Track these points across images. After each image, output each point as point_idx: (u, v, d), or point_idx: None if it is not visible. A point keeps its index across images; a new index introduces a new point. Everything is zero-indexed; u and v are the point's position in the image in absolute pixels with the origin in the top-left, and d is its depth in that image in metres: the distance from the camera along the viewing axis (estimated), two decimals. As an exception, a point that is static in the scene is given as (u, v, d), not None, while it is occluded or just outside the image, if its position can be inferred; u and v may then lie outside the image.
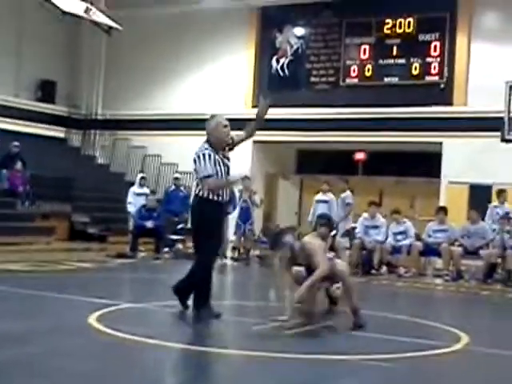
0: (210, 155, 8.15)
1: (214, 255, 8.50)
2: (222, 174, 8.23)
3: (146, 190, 18.81)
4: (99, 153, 26.26)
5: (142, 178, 19.40)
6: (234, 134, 8.49)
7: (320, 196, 17.45)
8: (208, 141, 8.31)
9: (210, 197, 8.22)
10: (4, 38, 23.95)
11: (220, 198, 8.27)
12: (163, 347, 6.64)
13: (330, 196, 17.34)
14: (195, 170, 8.31)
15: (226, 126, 8.32)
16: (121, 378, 5.55)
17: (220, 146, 8.27)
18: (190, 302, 8.47)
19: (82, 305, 8.83)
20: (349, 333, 7.60)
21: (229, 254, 17.54)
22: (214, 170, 8.14)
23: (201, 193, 8.28)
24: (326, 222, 8.57)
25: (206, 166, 8.11)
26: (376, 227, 16.09)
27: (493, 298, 13.06)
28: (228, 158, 8.40)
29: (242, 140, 8.62)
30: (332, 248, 8.54)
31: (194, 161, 8.23)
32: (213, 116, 8.51)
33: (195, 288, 8.40)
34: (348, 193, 17.39)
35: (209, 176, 8.13)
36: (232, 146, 8.48)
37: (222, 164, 8.25)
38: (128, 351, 6.56)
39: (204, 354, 6.63)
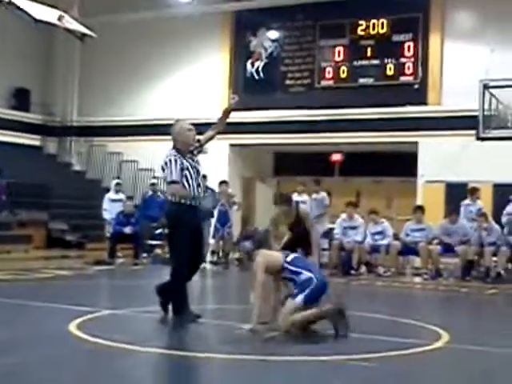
0: (176, 160, 8.24)
1: (186, 260, 8.36)
2: (192, 178, 8.30)
3: (121, 196, 18.76)
4: (75, 160, 26.15)
5: (117, 183, 19.34)
6: (199, 136, 8.56)
7: (295, 197, 17.32)
8: (174, 146, 8.40)
9: (182, 201, 8.28)
10: (-24, 46, 23.78)
11: (192, 201, 8.31)
12: (145, 353, 6.62)
13: (304, 197, 17.35)
14: (164, 175, 8.41)
15: (190, 130, 8.43)
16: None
17: (186, 150, 8.36)
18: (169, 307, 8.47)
19: (62, 312, 8.78)
20: (329, 334, 7.61)
21: (208, 257, 17.51)
22: (180, 175, 8.22)
23: (173, 198, 8.34)
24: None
25: (171, 171, 8.21)
26: (354, 228, 16.16)
27: (472, 295, 13.15)
28: (197, 162, 8.47)
29: (210, 138, 8.71)
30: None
31: (162, 167, 8.35)
32: (177, 121, 8.63)
33: (173, 294, 8.41)
34: (323, 194, 17.40)
35: (173, 182, 8.23)
36: (200, 147, 8.55)
37: (190, 168, 8.31)
38: (109, 358, 6.53)
39: (186, 359, 6.62)
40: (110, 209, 18.34)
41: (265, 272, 7.72)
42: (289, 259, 7.80)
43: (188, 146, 8.37)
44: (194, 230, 8.38)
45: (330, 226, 17.10)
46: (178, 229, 8.32)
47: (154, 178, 21.27)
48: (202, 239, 8.81)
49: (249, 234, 17.90)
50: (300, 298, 7.58)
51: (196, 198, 8.34)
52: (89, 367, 6.22)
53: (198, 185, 8.38)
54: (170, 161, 8.24)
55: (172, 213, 8.43)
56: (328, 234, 16.70)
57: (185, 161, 8.28)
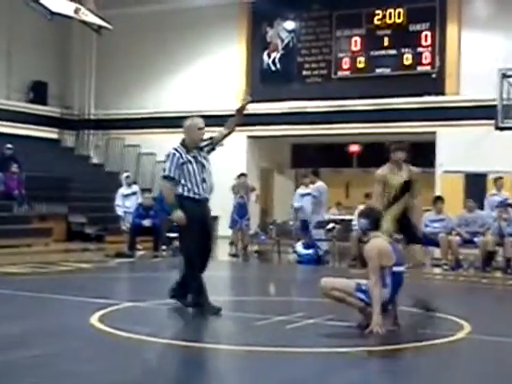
0: (174, 155, 8.43)
1: (196, 252, 8.44)
2: (194, 173, 8.42)
3: (134, 189, 18.64)
4: (93, 153, 26.24)
5: (127, 176, 19.20)
6: (212, 134, 8.70)
7: (301, 190, 17.12)
8: (183, 140, 8.58)
9: (186, 194, 8.40)
10: (-7, 40, 23.88)
11: (196, 194, 8.42)
12: (166, 345, 6.65)
13: (312, 188, 17.07)
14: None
15: (200, 129, 8.57)
16: (127, 378, 5.54)
17: (193, 146, 8.51)
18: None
19: (83, 305, 8.82)
20: (351, 325, 7.60)
21: (226, 250, 17.58)
22: (179, 170, 8.37)
23: (179, 191, 8.43)
24: None
25: (168, 166, 8.43)
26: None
27: (492, 286, 13.10)
28: (205, 157, 8.58)
29: (224, 136, 8.81)
30: None
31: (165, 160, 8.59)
32: (191, 117, 8.79)
33: (188, 285, 8.49)
34: (318, 184, 16.99)
35: (166, 177, 8.43)
36: (212, 145, 8.67)
37: (194, 162, 8.44)
38: (131, 350, 6.57)
39: (208, 351, 6.64)
40: (122, 204, 18.28)
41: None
42: (395, 269, 7.53)
43: (195, 142, 8.52)
44: (201, 222, 8.44)
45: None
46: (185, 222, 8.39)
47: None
48: (211, 232, 8.82)
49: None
50: (360, 295, 7.44)
51: (199, 193, 8.41)
52: (111, 359, 6.25)
53: (203, 180, 8.47)
54: (170, 155, 8.47)
55: (179, 206, 8.48)
56: (323, 224, 16.41)
57: (188, 155, 8.43)
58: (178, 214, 8.30)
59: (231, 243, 17.84)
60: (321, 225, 16.37)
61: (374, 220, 7.79)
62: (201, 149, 8.56)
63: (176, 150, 8.47)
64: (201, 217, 8.44)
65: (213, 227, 9.04)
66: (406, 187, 7.69)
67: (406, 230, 8.76)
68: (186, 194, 8.40)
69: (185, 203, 8.39)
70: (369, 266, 7.46)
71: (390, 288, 7.46)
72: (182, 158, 8.41)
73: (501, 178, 16.55)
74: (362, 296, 7.45)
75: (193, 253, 8.44)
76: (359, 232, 8.00)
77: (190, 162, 8.41)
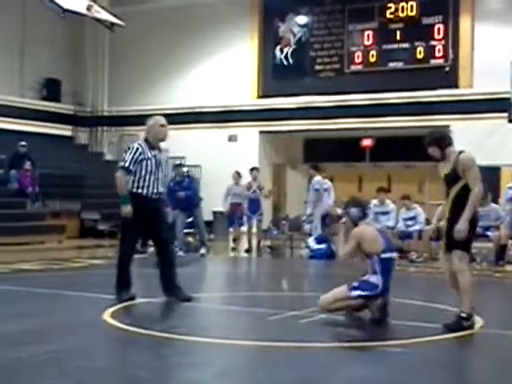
0: (137, 149, 8.67)
1: (130, 248, 8.93)
2: (150, 172, 8.67)
3: None
4: (106, 149, 26.30)
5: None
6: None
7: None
8: (146, 137, 8.86)
9: (135, 190, 8.67)
10: (7, 38, 23.97)
11: (146, 192, 8.67)
12: (179, 341, 6.65)
13: (328, 184, 17.02)
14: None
15: (162, 126, 8.88)
16: (140, 373, 5.55)
17: (155, 143, 8.81)
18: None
19: (96, 301, 8.84)
20: (363, 320, 7.60)
21: (232, 245, 17.63)
22: (137, 165, 8.59)
23: (129, 186, 8.71)
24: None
25: (127, 158, 8.66)
26: (386, 213, 16.08)
27: (505, 280, 13.04)
28: (164, 159, 9.06)
29: None
30: None
31: (124, 151, 8.93)
32: (152, 117, 9.12)
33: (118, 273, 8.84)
34: (317, 178, 16.88)
35: (126, 168, 8.63)
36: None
37: (153, 161, 8.70)
38: (144, 346, 6.58)
39: (220, 346, 6.64)
40: None
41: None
42: (383, 256, 7.62)
43: (158, 140, 8.82)
44: (145, 220, 8.66)
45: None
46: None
47: (184, 166, 21.11)
48: (161, 226, 8.95)
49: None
50: (356, 293, 7.53)
51: (148, 191, 8.65)
52: (123, 355, 6.27)
53: (157, 179, 8.74)
54: (132, 148, 8.73)
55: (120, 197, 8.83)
56: (324, 218, 16.34)
57: (149, 152, 8.67)
58: (128, 209, 8.54)
59: (234, 240, 17.80)
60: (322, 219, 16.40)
61: (363, 208, 8.01)
62: (159, 150, 8.86)
63: (140, 145, 8.74)
64: (145, 214, 8.62)
65: (164, 223, 9.19)
66: (449, 179, 7.39)
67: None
68: (135, 190, 8.66)
69: (132, 199, 8.61)
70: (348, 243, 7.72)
71: (380, 275, 7.52)
72: (143, 154, 8.65)
73: None
74: (357, 293, 7.51)
75: (126, 248, 8.85)
76: (347, 223, 8.01)
77: (150, 159, 8.66)
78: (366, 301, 7.57)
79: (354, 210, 7.93)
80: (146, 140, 8.81)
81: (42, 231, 18.83)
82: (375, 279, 7.54)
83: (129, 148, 8.87)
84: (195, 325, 7.88)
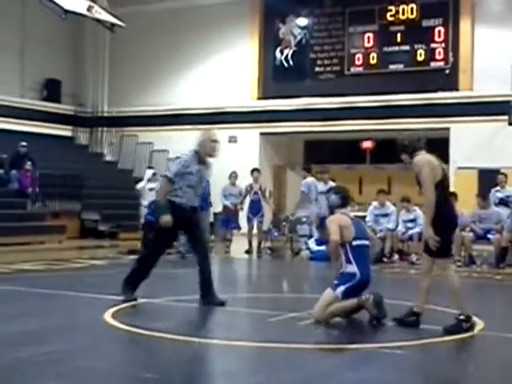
0: (185, 162, 8.58)
1: (154, 255, 8.83)
2: (193, 183, 8.62)
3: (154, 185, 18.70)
4: (107, 150, 26.32)
5: (154, 174, 19.24)
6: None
7: (322, 187, 16.99)
8: (196, 151, 8.71)
9: (173, 199, 8.59)
10: (7, 38, 24.00)
11: (183, 205, 8.61)
12: (179, 341, 6.66)
13: (331, 185, 16.99)
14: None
15: (213, 141, 8.74)
16: (140, 374, 5.56)
17: (205, 157, 8.71)
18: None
19: (97, 302, 8.86)
20: (362, 322, 7.61)
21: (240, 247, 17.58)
22: (177, 177, 8.52)
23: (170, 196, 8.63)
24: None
25: (174, 169, 8.60)
26: (386, 215, 16.07)
27: (506, 283, 13.04)
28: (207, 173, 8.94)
29: None
30: None
31: (178, 163, 8.67)
32: (205, 130, 9.10)
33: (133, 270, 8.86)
34: (306, 180, 16.89)
35: (169, 179, 8.57)
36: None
37: (196, 175, 8.62)
38: (144, 346, 6.60)
39: (220, 347, 6.65)
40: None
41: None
42: (354, 243, 7.70)
43: (207, 155, 8.71)
44: (179, 226, 8.66)
45: (360, 213, 16.87)
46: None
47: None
48: (196, 233, 8.93)
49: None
50: (340, 290, 7.56)
51: (187, 204, 8.59)
52: (124, 355, 6.29)
53: (195, 194, 8.72)
54: (181, 160, 8.64)
55: (159, 205, 8.80)
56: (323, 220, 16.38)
57: (196, 166, 8.59)
58: (167, 218, 8.46)
59: (226, 241, 17.78)
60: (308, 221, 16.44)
61: (342, 196, 8.04)
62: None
63: (188, 158, 8.61)
64: (179, 223, 8.58)
65: (202, 232, 9.26)
66: (418, 184, 7.52)
67: None
68: (172, 198, 8.56)
69: (171, 210, 8.54)
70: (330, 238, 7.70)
71: (355, 263, 7.60)
72: (189, 167, 8.56)
73: (503, 174, 16.45)
74: (341, 289, 7.54)
75: (153, 251, 8.84)
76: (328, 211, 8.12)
77: (194, 174, 8.59)
78: (355, 295, 7.56)
79: (333, 197, 8.07)
80: (197, 153, 8.69)
81: (43, 231, 18.84)
82: (351, 268, 7.61)
83: (177, 158, 8.75)
84: (195, 326, 7.90)
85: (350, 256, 7.63)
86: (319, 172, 17.12)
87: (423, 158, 7.36)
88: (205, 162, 8.72)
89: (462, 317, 7.11)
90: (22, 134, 22.38)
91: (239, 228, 17.57)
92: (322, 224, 16.07)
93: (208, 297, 8.56)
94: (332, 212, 8.06)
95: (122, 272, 9.12)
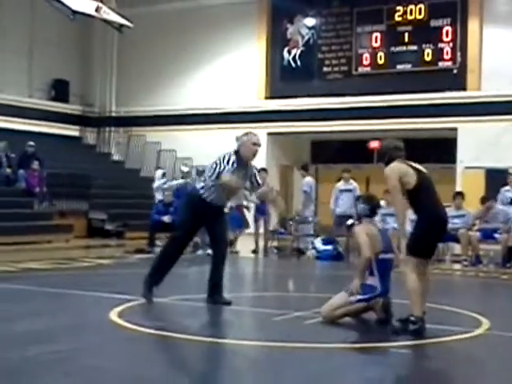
0: (233, 162, 8.41)
1: (177, 247, 8.80)
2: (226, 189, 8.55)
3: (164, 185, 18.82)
4: (114, 150, 26.37)
5: (164, 174, 19.34)
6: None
7: (342, 185, 16.98)
8: (236, 150, 8.60)
9: (204, 195, 8.52)
10: (16, 39, 24.08)
11: (212, 201, 8.54)
12: (186, 340, 6.67)
13: (353, 184, 16.99)
14: (210, 169, 8.54)
15: (254, 144, 8.62)
16: (147, 373, 5.58)
17: (245, 160, 8.57)
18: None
19: (103, 301, 8.87)
20: (368, 321, 7.60)
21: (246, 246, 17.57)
22: (214, 175, 8.44)
23: (201, 189, 8.58)
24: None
25: (225, 167, 8.40)
26: (393, 215, 16.02)
27: (512, 282, 13.02)
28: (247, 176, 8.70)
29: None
30: None
31: (219, 159, 8.51)
32: (247, 133, 8.84)
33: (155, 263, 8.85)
34: (307, 179, 16.94)
35: (223, 172, 8.40)
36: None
37: (240, 176, 8.50)
38: (150, 345, 6.62)
39: (226, 346, 6.66)
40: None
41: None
42: (380, 257, 7.57)
43: (247, 157, 8.58)
44: (204, 220, 8.63)
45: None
46: (188, 214, 8.70)
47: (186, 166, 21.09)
48: (218, 228, 8.86)
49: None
50: (356, 298, 7.46)
51: (216, 202, 8.56)
52: (130, 354, 6.29)
53: (227, 198, 8.89)
54: (229, 159, 8.43)
55: (190, 199, 8.81)
56: (341, 218, 16.40)
57: (238, 167, 8.45)
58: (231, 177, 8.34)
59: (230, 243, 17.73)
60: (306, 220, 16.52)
61: (372, 207, 7.90)
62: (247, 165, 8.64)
63: (233, 157, 8.47)
64: (205, 217, 8.57)
65: (224, 233, 9.09)
66: None
67: None
68: (204, 195, 8.49)
69: (197, 201, 8.52)
70: (361, 250, 7.51)
71: (378, 276, 7.47)
72: (233, 167, 8.41)
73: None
74: (357, 297, 7.42)
75: (176, 245, 8.76)
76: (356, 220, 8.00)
77: (237, 173, 8.45)
78: (368, 303, 7.53)
79: (362, 206, 7.92)
80: (236, 153, 8.58)
81: (50, 231, 18.88)
82: (372, 281, 7.48)
83: (224, 157, 8.47)
84: (201, 324, 7.90)
85: (374, 269, 7.49)
86: (345, 171, 17.04)
87: (391, 167, 7.25)
88: (243, 164, 8.56)
89: (412, 318, 6.98)
90: (30, 134, 22.46)
91: (246, 227, 17.51)
92: (340, 222, 16.05)
93: (215, 296, 8.58)
94: (359, 219, 7.90)
95: (128, 271, 9.13)
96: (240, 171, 8.51)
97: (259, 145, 8.72)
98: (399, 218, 7.22)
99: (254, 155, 8.64)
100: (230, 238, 17.44)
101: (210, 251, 15.71)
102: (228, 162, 8.41)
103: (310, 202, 16.61)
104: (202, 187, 8.55)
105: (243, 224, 17.36)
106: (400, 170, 7.25)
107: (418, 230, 7.16)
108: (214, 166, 8.47)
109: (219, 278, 8.66)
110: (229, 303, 8.52)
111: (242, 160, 8.52)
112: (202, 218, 8.58)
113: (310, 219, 17.11)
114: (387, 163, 7.34)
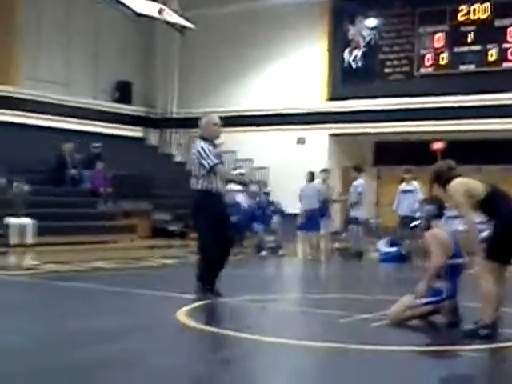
0: (208, 148, 8.84)
1: (213, 240, 8.86)
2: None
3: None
4: (176, 151, 26.60)
5: (241, 174, 19.41)
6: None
7: (404, 186, 16.85)
8: (201, 136, 9.09)
9: (205, 188, 8.82)
10: (81, 41, 24.50)
11: (214, 189, 8.85)
12: (252, 341, 6.70)
13: (414, 185, 16.81)
14: (200, 164, 8.81)
15: (215, 124, 9.13)
16: (214, 373, 5.62)
17: (214, 142, 9.07)
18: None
19: (169, 300, 8.96)
20: (436, 324, 7.54)
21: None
22: (218, 158, 8.95)
23: (198, 185, 8.86)
24: None
25: (209, 156, 8.79)
26: (456, 217, 15.82)
27: None
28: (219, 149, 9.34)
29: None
30: None
31: (197, 157, 8.86)
32: (205, 115, 9.45)
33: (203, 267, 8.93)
34: (360, 181, 16.84)
35: (216, 165, 8.82)
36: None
37: (220, 156, 9.16)
38: (217, 346, 6.68)
39: (292, 347, 6.66)
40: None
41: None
42: (450, 261, 7.45)
43: (214, 137, 9.08)
44: (218, 215, 8.81)
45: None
46: (202, 214, 8.81)
47: (238, 168, 21.13)
48: (228, 225, 9.13)
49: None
50: (423, 300, 7.41)
51: (217, 188, 8.87)
52: (197, 354, 6.34)
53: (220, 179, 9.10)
54: (203, 148, 8.82)
55: (198, 199, 8.90)
56: (363, 222, 16.34)
57: (211, 148, 8.88)
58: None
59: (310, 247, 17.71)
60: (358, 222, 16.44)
61: (439, 206, 7.80)
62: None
63: (204, 144, 8.89)
64: (217, 211, 8.80)
65: (230, 227, 9.32)
66: None
67: None
68: (209, 188, 8.79)
69: (205, 197, 8.78)
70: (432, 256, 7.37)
71: (446, 280, 7.35)
72: (211, 150, 8.85)
73: None
74: (423, 300, 7.34)
75: (209, 243, 8.84)
76: (424, 222, 7.88)
77: (216, 155, 8.95)
78: (435, 306, 7.46)
79: (429, 208, 7.79)
80: (203, 138, 9.03)
81: (115, 231, 19.16)
82: (440, 284, 7.38)
83: (199, 152, 8.83)
84: (268, 325, 7.92)
85: (444, 273, 7.39)
86: (406, 171, 16.89)
87: (453, 185, 7.13)
88: (213, 145, 9.00)
89: (481, 323, 6.86)
90: (94, 135, 22.82)
91: (318, 229, 17.13)
92: (404, 224, 15.90)
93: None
94: (428, 222, 7.80)
95: (193, 271, 9.19)
96: (216, 153, 8.99)
97: (220, 124, 9.15)
98: (472, 234, 7.05)
99: (219, 133, 9.15)
100: (313, 242, 17.22)
101: (281, 252, 16.10)
102: (206, 152, 8.78)
103: (361, 203, 16.53)
104: (202, 183, 8.81)
105: (318, 226, 17.02)
106: (464, 185, 7.15)
107: (496, 234, 7.06)
108: (197, 161, 8.81)
109: (219, 270, 8.91)
110: (219, 294, 8.74)
111: (211, 142, 8.99)
112: (215, 212, 8.76)
113: (364, 220, 16.96)
114: (444, 184, 7.24)
